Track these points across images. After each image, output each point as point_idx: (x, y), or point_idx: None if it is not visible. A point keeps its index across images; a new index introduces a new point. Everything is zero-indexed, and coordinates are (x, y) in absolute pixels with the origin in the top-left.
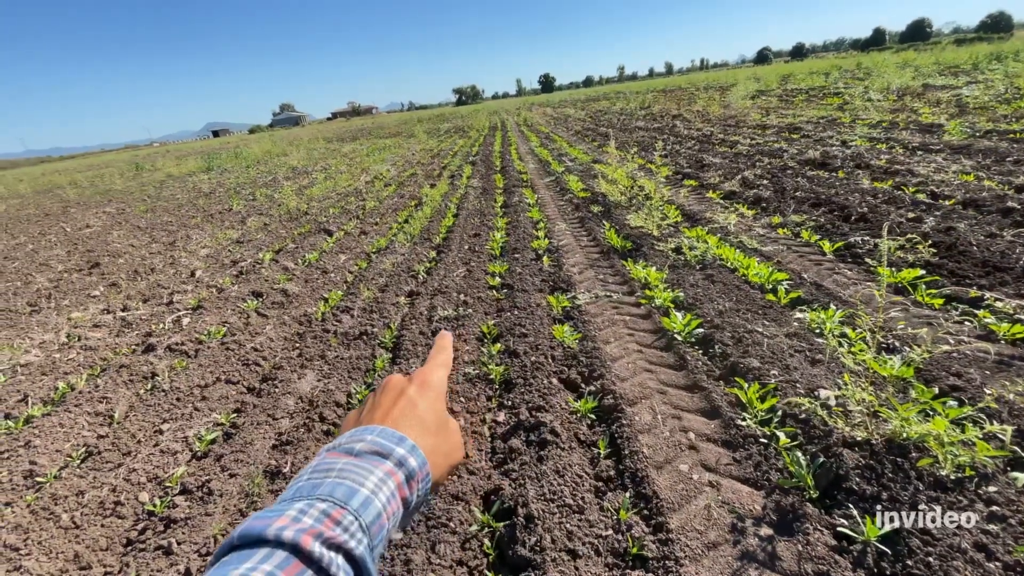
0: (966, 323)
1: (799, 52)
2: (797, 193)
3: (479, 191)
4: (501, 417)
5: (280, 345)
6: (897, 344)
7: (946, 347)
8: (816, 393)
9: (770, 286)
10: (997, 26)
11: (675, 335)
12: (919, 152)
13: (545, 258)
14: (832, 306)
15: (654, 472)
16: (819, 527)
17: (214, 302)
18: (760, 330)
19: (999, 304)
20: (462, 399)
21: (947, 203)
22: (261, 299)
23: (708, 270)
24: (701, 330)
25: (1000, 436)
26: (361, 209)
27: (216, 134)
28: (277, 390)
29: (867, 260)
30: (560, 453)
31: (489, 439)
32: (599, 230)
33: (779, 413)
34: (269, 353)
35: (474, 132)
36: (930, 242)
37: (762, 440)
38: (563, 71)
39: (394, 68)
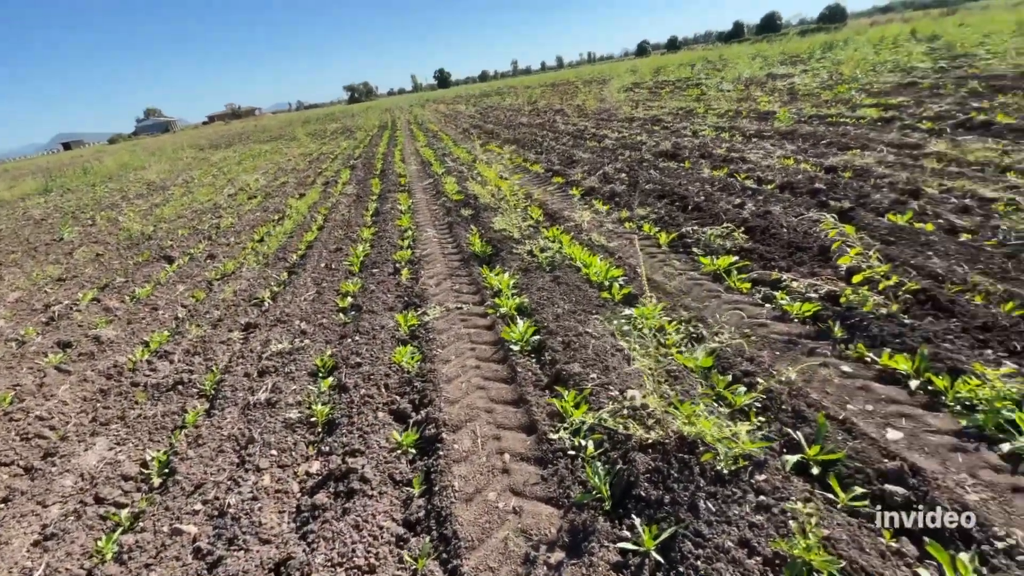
0: (767, 305)
1: (673, 45)
2: (648, 186)
3: (352, 199)
4: (315, 467)
5: (76, 408)
6: (704, 334)
7: (746, 331)
8: (624, 394)
9: (607, 283)
10: (833, 17)
11: (512, 346)
12: (754, 139)
13: (404, 271)
14: (654, 299)
15: (461, 508)
16: (606, 544)
17: (6, 361)
18: (590, 331)
19: (794, 284)
20: (273, 452)
21: (768, 187)
22: (68, 350)
23: (557, 271)
24: (538, 337)
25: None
26: (215, 228)
27: (67, 147)
28: (55, 468)
29: (694, 250)
30: (367, 503)
31: (298, 495)
32: (465, 235)
33: (590, 420)
34: (60, 420)
35: (361, 133)
36: (743, 228)
37: (571, 453)
38: (459, 66)
39: (280, 66)
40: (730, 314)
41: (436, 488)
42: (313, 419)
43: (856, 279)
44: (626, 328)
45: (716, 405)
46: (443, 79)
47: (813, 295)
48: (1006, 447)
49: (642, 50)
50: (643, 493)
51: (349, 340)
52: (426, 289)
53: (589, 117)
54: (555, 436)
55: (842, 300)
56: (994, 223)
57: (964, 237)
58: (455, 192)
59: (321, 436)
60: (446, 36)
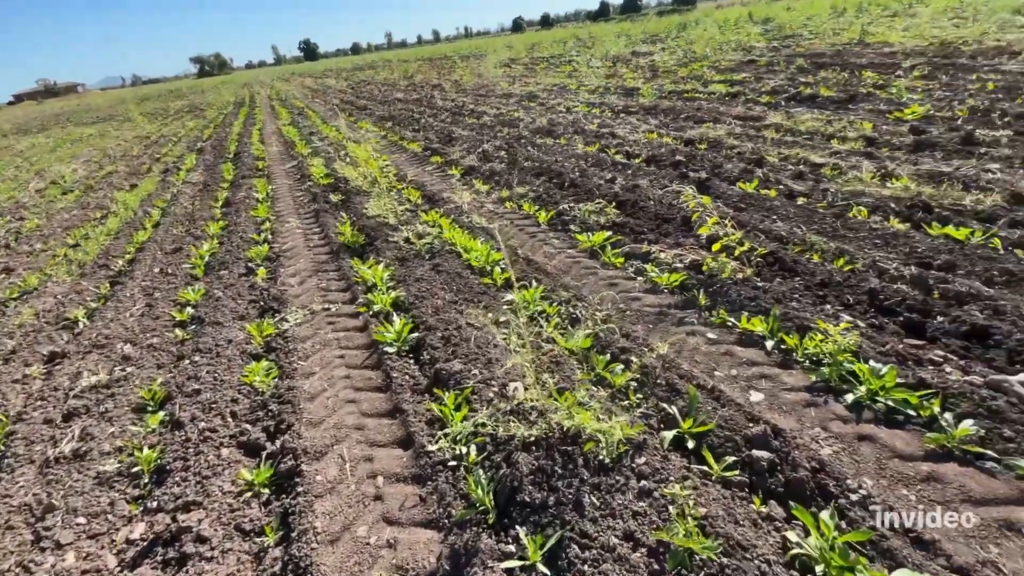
0: (639, 279)
1: (546, 22)
2: (526, 163)
3: (198, 188)
4: (138, 531)
5: None
6: (583, 314)
7: (622, 306)
8: (507, 388)
9: (488, 268)
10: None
11: (386, 348)
12: (622, 115)
13: (260, 271)
14: (534, 283)
15: (325, 552)
16: (491, 564)
17: None
18: (472, 322)
19: (662, 256)
20: (81, 519)
21: (636, 161)
22: None
23: (437, 259)
24: (416, 334)
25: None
26: (13, 234)
27: None
28: None
29: (571, 227)
30: (205, 568)
31: (115, 571)
32: (334, 224)
33: (471, 425)
34: None
35: (212, 111)
36: (615, 203)
37: (451, 464)
38: (329, 38)
39: (109, 33)
40: (607, 291)
41: (295, 533)
42: (137, 469)
43: (715, 247)
44: (504, 317)
45: (597, 389)
46: (310, 51)
47: (679, 265)
48: (850, 397)
49: (517, 26)
50: (527, 498)
51: (187, 362)
52: (287, 290)
53: (467, 93)
54: (434, 447)
55: (704, 268)
56: (823, 186)
57: (801, 200)
58: (323, 176)
59: (148, 489)
60: (312, 4)
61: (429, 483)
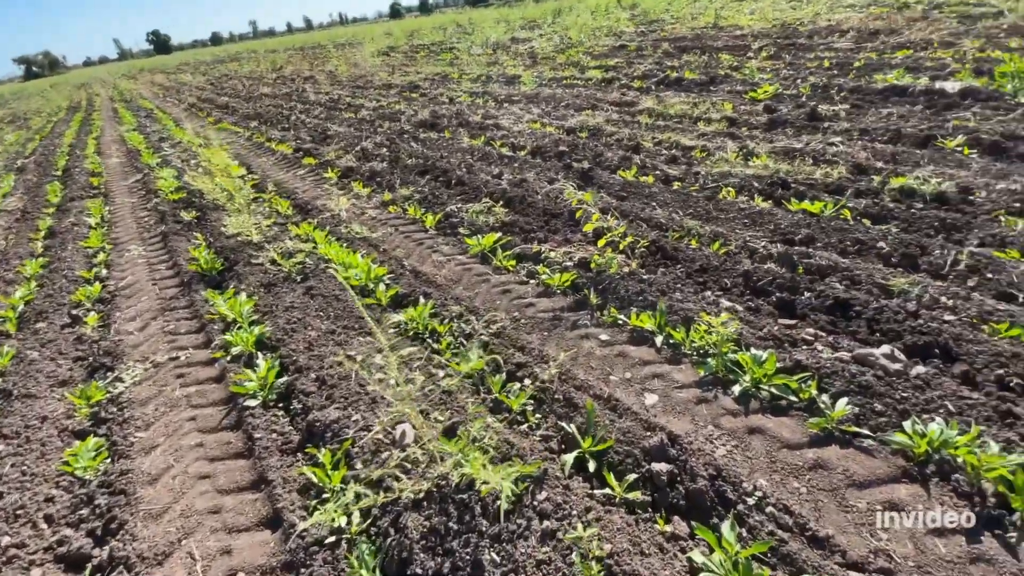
0: (531, 282)
1: (425, 7)
2: (410, 160)
3: (15, 218)
4: None
5: None
6: (477, 327)
7: (516, 314)
8: (395, 433)
9: (371, 286)
10: None
11: (248, 400)
12: (505, 104)
13: (91, 317)
14: (422, 299)
15: None
16: None
17: None
18: (353, 353)
19: (553, 255)
20: None
21: (522, 154)
22: None
23: (310, 280)
24: (285, 379)
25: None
26: None
27: None
28: None
29: (460, 230)
30: None
31: None
32: (185, 249)
33: (352, 488)
34: None
35: (39, 119)
36: (504, 200)
37: (329, 540)
38: (184, 29)
39: None
40: (500, 299)
41: None
42: None
43: (601, 243)
44: (390, 343)
45: (493, 419)
46: (161, 43)
47: (570, 264)
48: (737, 389)
49: (395, 12)
50: (419, 569)
51: None
52: (124, 340)
53: (344, 85)
54: (308, 523)
55: (592, 266)
56: (695, 169)
57: (676, 185)
58: (173, 190)
59: None
60: None
61: (303, 570)
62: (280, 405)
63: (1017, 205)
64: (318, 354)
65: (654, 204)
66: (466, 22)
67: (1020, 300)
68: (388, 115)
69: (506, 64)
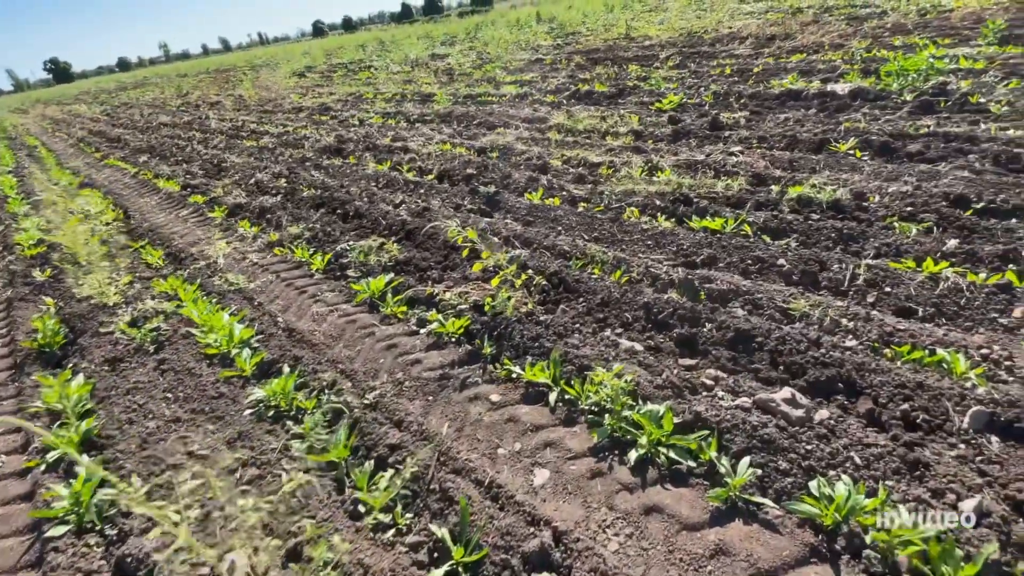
0: (422, 332)
1: (349, 25)
2: (307, 192)
3: None
4: None
5: None
6: (349, 400)
7: (400, 375)
8: (223, 565)
9: (234, 353)
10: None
11: (54, 529)
12: (417, 124)
13: None
14: (286, 368)
15: None
16: None
17: None
18: (196, 448)
19: (448, 296)
20: None
21: (428, 178)
22: None
23: (165, 350)
24: (108, 491)
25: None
26: None
27: None
28: None
29: (350, 273)
30: None
31: None
32: (26, 319)
33: None
34: None
35: None
36: (403, 233)
37: None
38: (88, 55)
39: None
40: (384, 357)
41: None
42: None
43: (494, 282)
44: (238, 430)
45: (351, 525)
46: (61, 71)
47: (465, 306)
48: (633, 455)
49: (318, 30)
50: None
51: None
52: None
53: (251, 110)
54: None
55: (487, 309)
56: (601, 187)
57: (582, 207)
58: (33, 243)
59: None
60: (61, 16)
61: None
62: (97, 529)
63: (909, 209)
64: (151, 454)
65: (559, 228)
66: (388, 39)
67: (919, 314)
68: (292, 142)
69: (422, 82)
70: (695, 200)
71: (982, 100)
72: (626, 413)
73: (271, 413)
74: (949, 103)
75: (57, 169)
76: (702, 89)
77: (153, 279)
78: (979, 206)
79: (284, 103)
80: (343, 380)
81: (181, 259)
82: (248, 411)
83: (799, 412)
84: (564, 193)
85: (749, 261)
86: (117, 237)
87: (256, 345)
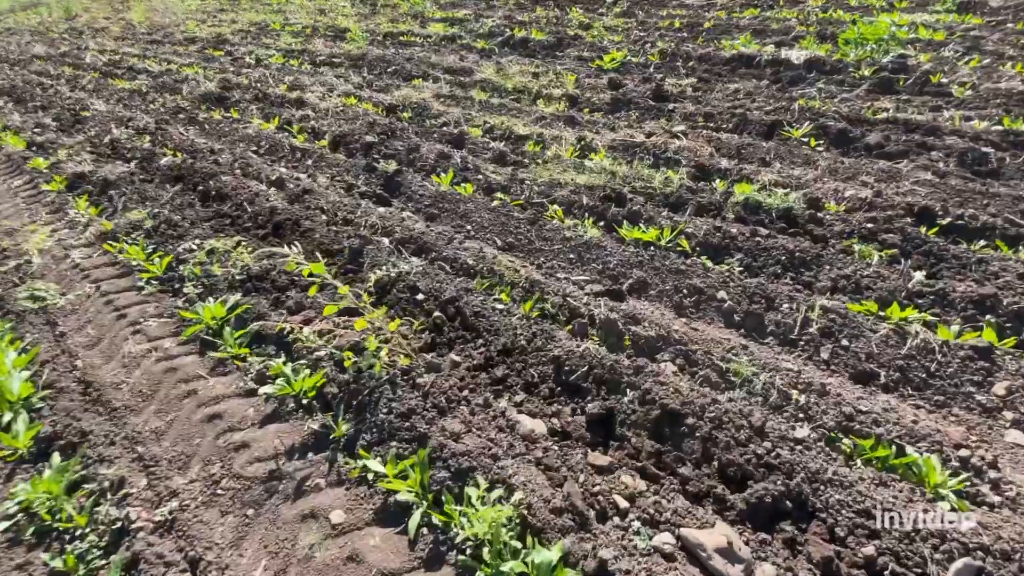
0: (262, 392)
1: None
2: (166, 159)
3: None
4: None
5: None
6: (131, 519)
7: (213, 472)
8: None
9: (6, 418)
10: None
11: None
12: (323, 67)
13: None
14: (64, 456)
15: None
16: None
17: None
18: None
19: (306, 332)
20: None
21: (321, 144)
22: None
23: None
24: None
25: None
26: None
27: None
28: None
29: (187, 289)
30: None
31: None
32: None
33: None
34: None
35: None
36: (271, 228)
37: None
38: None
39: None
40: (203, 434)
41: None
42: None
43: (359, 324)
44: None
45: None
46: None
47: (324, 352)
48: None
49: None
50: None
51: None
52: None
53: (138, 39)
54: None
55: (347, 364)
56: (522, 175)
57: (499, 198)
58: None
59: None
60: None
61: None
62: None
63: (869, 226)
64: None
65: (468, 227)
66: None
67: (881, 379)
68: (170, 84)
69: (339, 12)
70: (629, 197)
71: (944, 80)
72: (507, 565)
73: (31, 530)
74: (909, 81)
75: None
76: (648, 46)
77: None
78: (945, 222)
79: (177, 32)
80: (137, 474)
81: None
82: (3, 524)
83: (737, 569)
84: (479, 177)
85: (685, 291)
86: None
87: (40, 405)
